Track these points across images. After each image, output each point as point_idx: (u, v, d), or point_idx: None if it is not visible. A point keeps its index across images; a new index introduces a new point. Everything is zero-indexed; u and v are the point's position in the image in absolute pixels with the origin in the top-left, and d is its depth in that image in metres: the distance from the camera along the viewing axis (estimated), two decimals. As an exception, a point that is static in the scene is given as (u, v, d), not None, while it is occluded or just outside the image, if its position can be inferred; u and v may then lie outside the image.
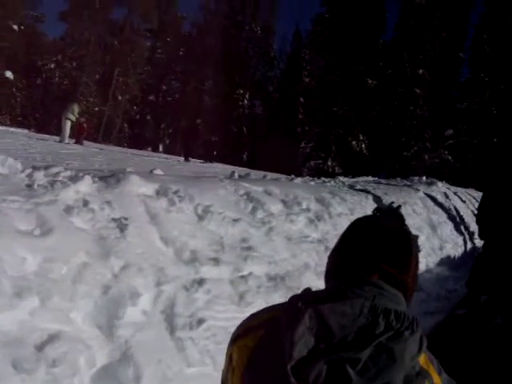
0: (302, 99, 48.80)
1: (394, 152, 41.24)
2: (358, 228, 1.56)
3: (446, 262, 11.55)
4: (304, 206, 8.06)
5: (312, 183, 10.76)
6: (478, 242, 14.13)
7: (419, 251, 1.53)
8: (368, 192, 11.15)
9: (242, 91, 51.77)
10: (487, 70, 40.17)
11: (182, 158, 26.14)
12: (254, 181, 8.53)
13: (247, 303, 5.37)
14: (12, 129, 31.05)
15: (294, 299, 1.35)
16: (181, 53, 55.40)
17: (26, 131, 27.33)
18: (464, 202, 17.09)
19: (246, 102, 52.52)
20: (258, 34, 53.92)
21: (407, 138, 41.93)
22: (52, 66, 48.47)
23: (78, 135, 27.19)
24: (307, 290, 1.42)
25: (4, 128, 29.77)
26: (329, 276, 1.58)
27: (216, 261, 5.42)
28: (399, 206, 1.66)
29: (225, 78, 49.55)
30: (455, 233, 13.88)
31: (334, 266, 1.56)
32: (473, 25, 44.12)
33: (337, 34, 42.37)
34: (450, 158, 40.31)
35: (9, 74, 37.89)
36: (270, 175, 13.42)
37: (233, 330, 1.52)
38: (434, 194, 14.57)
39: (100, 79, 47.86)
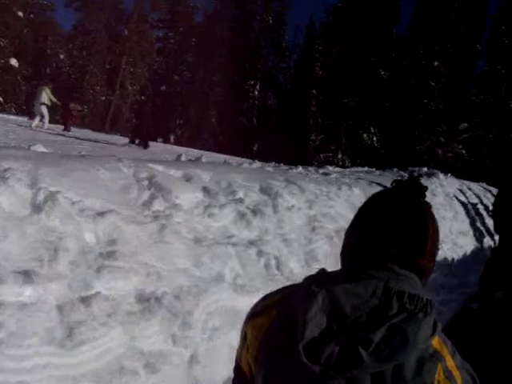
0: (314, 91, 46.71)
1: (407, 146, 39.37)
2: (372, 207, 1.47)
3: (441, 266, 9.71)
4: (238, 196, 5.96)
5: (269, 168, 8.66)
6: (486, 242, 12.70)
7: (437, 227, 1.42)
8: (346, 182, 9.03)
9: (252, 82, 49.93)
10: (504, 63, 38.57)
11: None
12: (172, 163, 6.50)
13: (78, 342, 3.34)
14: (12, 116, 29.37)
15: (308, 280, 1.33)
16: (193, 43, 53.68)
17: (25, 119, 25.49)
18: (470, 197, 15.01)
19: (256, 93, 50.60)
20: (270, 24, 51.94)
21: (420, 131, 40.03)
22: (61, 56, 47.16)
23: (66, 121, 25.27)
24: (321, 271, 1.38)
25: (4, 115, 28.05)
26: (344, 255, 1.48)
27: (29, 275, 3.37)
28: (419, 176, 1.64)
29: (235, 69, 47.74)
30: (455, 232, 11.80)
31: (348, 246, 1.46)
32: (491, 15, 42.00)
33: (350, 24, 40.95)
34: (463, 152, 38.70)
35: (13, 62, 36.54)
36: (241, 162, 11.30)
37: None
38: (432, 186, 12.44)
39: (108, 68, 46.43)
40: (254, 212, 6.06)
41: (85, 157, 6.02)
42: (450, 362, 1.29)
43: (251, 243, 5.66)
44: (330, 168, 13.63)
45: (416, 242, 1.36)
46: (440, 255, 10.18)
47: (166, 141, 47.10)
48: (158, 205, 5.08)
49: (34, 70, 45.83)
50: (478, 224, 13.60)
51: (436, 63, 40.50)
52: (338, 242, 7.47)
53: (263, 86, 52.24)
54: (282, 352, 1.24)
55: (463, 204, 14.10)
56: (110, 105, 44.81)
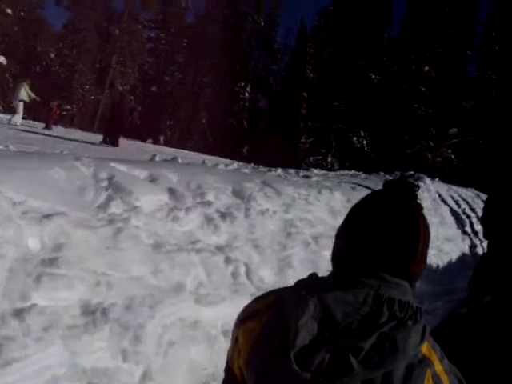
0: (305, 94, 46.61)
1: (397, 150, 39.20)
2: (362, 210, 1.42)
3: (427, 273, 9.17)
4: (207, 199, 5.56)
5: (246, 170, 8.27)
6: (474, 248, 12.43)
7: (428, 227, 1.39)
8: (328, 185, 8.67)
9: (243, 84, 49.61)
10: (495, 68, 38.21)
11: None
12: (138, 163, 6.09)
13: (8, 361, 3.03)
14: (-2, 114, 28.81)
15: (299, 285, 1.32)
16: (184, 44, 53.29)
17: (8, 116, 24.96)
18: (457, 202, 14.73)
19: (247, 94, 50.28)
20: (261, 26, 51.61)
21: (410, 135, 39.87)
22: (52, 55, 46.64)
23: (47, 119, 24.83)
24: (312, 276, 1.38)
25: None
26: (334, 259, 1.45)
27: None
28: (411, 176, 1.16)
29: (226, 70, 47.37)
30: (441, 238, 11.51)
31: (338, 250, 1.43)
32: (481, 22, 41.92)
33: (341, 27, 40.70)
34: (453, 157, 38.40)
35: (2, 59, 35.98)
36: (220, 162, 10.88)
37: None
38: (419, 191, 12.01)
39: (97, 67, 45.96)
40: (224, 216, 5.68)
41: (40, 155, 5.60)
42: (439, 367, 1.30)
43: (219, 249, 5.27)
44: (315, 171, 13.29)
45: (407, 250, 1.33)
46: (425, 262, 9.83)
47: (156, 142, 46.76)
48: (116, 207, 4.69)
49: (23, 68, 45.28)
50: (466, 229, 13.33)
51: (426, 68, 40.30)
52: (317, 249, 7.11)
53: (254, 87, 51.91)
54: (273, 358, 1.23)
55: (450, 209, 13.83)
56: (99, 104, 44.32)
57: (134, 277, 4.17)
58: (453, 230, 12.68)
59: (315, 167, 35.27)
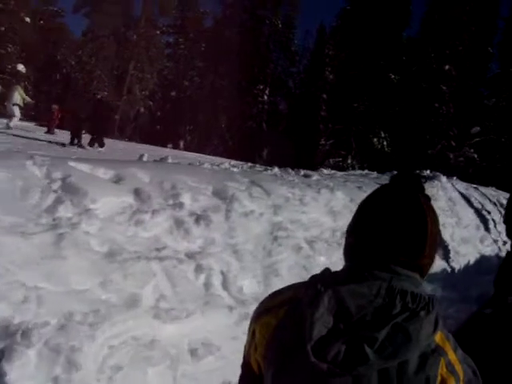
0: (325, 96, 45.88)
1: (418, 150, 38.17)
2: (369, 205, 1.42)
3: (440, 277, 8.96)
4: (179, 200, 4.96)
5: (234, 169, 7.63)
6: (493, 250, 11.69)
7: (436, 219, 1.39)
8: (328, 185, 8.04)
9: (261, 87, 48.98)
10: (517, 65, 36.92)
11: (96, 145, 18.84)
12: (105, 162, 5.50)
13: None
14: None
15: (314, 280, 1.32)
16: (202, 48, 52.94)
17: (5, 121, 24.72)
18: (476, 201, 13.98)
19: (265, 97, 49.63)
20: (279, 28, 50.91)
21: (431, 135, 38.86)
22: (72, 62, 46.56)
23: (50, 123, 24.64)
24: (326, 271, 1.38)
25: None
26: (346, 254, 1.44)
27: None
28: (417, 171, 1.07)
29: (244, 73, 46.80)
30: (457, 239, 10.89)
31: (349, 246, 1.43)
32: (503, 17, 40.86)
33: (359, 27, 39.80)
34: (475, 156, 37.50)
35: (21, 68, 35.80)
36: (214, 162, 10.27)
37: None
38: (433, 190, 11.61)
39: (115, 74, 45.73)
40: (199, 219, 5.08)
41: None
42: (453, 356, 1.30)
43: (189, 257, 4.68)
44: (325, 171, 12.62)
45: (415, 242, 1.33)
46: (439, 265, 9.25)
47: (176, 147, 46.42)
48: (64, 210, 4.12)
49: (44, 76, 45.30)
50: (487, 230, 12.59)
51: (447, 67, 39.43)
52: (311, 254, 6.45)
53: (273, 90, 51.25)
54: (290, 351, 1.25)
55: (469, 209, 13.06)
56: (117, 110, 44.10)
57: (74, 290, 3.59)
58: (470, 230, 11.97)
59: (335, 169, 34.88)
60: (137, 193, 4.89)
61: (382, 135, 40.53)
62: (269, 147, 48.43)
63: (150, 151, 21.06)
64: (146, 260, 4.24)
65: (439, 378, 1.25)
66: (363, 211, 1.41)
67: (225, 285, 4.85)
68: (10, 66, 37.38)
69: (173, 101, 52.16)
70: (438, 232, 1.40)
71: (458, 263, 9.85)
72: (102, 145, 18.56)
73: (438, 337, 1.29)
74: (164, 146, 41.52)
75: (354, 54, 39.87)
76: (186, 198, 5.26)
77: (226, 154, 40.18)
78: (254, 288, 5.14)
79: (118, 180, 4.99)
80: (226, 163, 9.59)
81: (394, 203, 1.35)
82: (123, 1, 44.80)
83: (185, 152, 32.99)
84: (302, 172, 9.16)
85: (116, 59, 44.94)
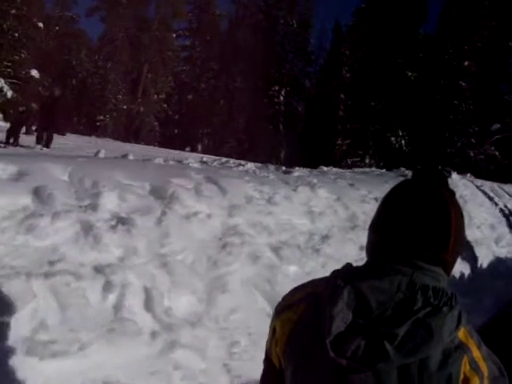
0: (342, 95, 44.89)
1: (437, 148, 37.19)
2: (391, 201, 1.37)
3: (448, 282, 7.37)
4: (100, 201, 3.95)
5: (195, 164, 6.57)
6: (508, 252, 10.75)
7: (461, 213, 1.34)
8: (311, 182, 7.00)
9: (277, 87, 47.97)
10: (539, 59, 36.01)
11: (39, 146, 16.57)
12: (6, 157, 4.46)
13: None
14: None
15: (335, 275, 1.31)
16: (218, 50, 52.33)
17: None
18: (493, 198, 12.89)
19: (282, 98, 48.62)
20: (294, 28, 49.96)
21: (451, 133, 37.73)
22: (88, 66, 46.19)
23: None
24: (347, 266, 1.35)
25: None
26: (368, 250, 1.39)
27: None
28: (440, 165, 1.17)
29: (259, 74, 45.95)
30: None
31: (371, 243, 1.38)
32: (523, 11, 39.42)
33: (375, 25, 39.02)
34: (496, 153, 36.44)
35: (34, 73, 35.49)
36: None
37: None
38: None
39: (130, 77, 45.28)
40: (118, 223, 4.04)
41: None
42: (476, 353, 1.25)
43: (98, 271, 3.65)
44: (325, 168, 11.57)
45: (438, 236, 1.28)
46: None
47: (194, 149, 45.85)
48: None
49: (59, 81, 44.90)
50: (505, 230, 11.53)
51: (466, 63, 38.30)
52: (277, 263, 5.37)
53: (289, 91, 50.26)
54: (309, 346, 1.24)
55: (482, 208, 11.96)
56: (132, 114, 43.65)
57: None
58: (484, 230, 10.86)
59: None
60: (37, 192, 3.87)
61: (400, 134, 39.58)
62: (286, 148, 47.54)
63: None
64: (26, 277, 3.22)
65: (462, 376, 1.20)
66: (386, 205, 1.36)
67: (148, 305, 3.84)
68: (23, 72, 36.94)
69: (189, 104, 51.51)
70: (463, 227, 1.32)
71: (470, 266, 9.03)
72: (48, 144, 16.51)
73: (462, 333, 1.25)
74: (182, 149, 41.01)
75: (371, 53, 39.13)
76: (107, 198, 4.24)
77: (242, 156, 39.39)
78: (191, 307, 4.13)
79: (18, 177, 3.98)
80: (202, 158, 8.59)
81: (417, 197, 1.31)
82: (137, 4, 44.25)
83: (200, 154, 32.18)
84: (283, 169, 8.09)
85: (130, 62, 44.42)
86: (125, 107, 43.59)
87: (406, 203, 1.31)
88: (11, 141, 17.20)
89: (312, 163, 31.01)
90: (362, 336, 1.16)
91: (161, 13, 45.55)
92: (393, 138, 39.30)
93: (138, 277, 3.86)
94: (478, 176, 15.72)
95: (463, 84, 38.03)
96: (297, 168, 8.16)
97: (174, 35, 51.36)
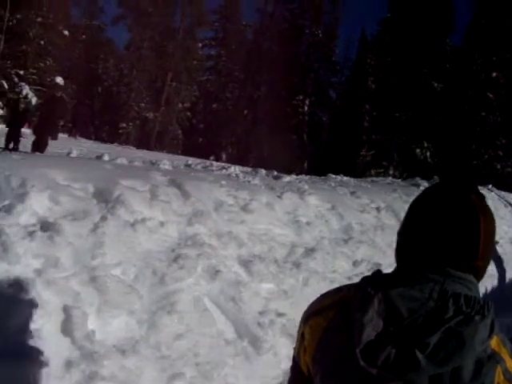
0: (367, 106, 44.21)
1: (463, 161, 36.10)
2: (419, 206, 1.34)
3: None
4: (19, 203, 3.29)
5: (166, 166, 5.86)
6: None
7: (491, 219, 1.30)
8: (301, 188, 6.28)
9: (302, 97, 47.34)
10: None
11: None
12: None
13: None
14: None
15: (365, 282, 1.27)
16: (242, 60, 52.07)
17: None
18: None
19: (306, 108, 47.95)
20: (319, 38, 49.36)
21: (477, 145, 36.64)
22: (114, 74, 46.31)
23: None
24: (377, 273, 1.32)
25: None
26: (398, 255, 1.37)
27: None
28: (467, 170, 1.62)
29: (283, 84, 45.41)
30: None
31: (400, 247, 1.36)
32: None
33: (400, 34, 38.53)
34: None
35: (59, 80, 35.42)
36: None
37: None
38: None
39: (153, 85, 45.18)
40: (36, 229, 3.37)
41: None
42: (510, 363, 1.21)
43: (4, 285, 2.98)
44: (332, 176, 10.90)
45: (467, 245, 1.25)
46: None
47: (218, 159, 45.48)
48: None
49: (85, 89, 45.03)
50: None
51: (494, 74, 37.30)
52: (246, 279, 4.67)
53: (313, 101, 49.58)
54: (339, 354, 1.22)
55: (502, 221, 11.21)
56: (154, 122, 43.46)
57: None
58: (505, 246, 10.11)
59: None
60: None
61: (426, 145, 38.90)
62: (310, 159, 46.90)
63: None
64: None
65: None
66: (413, 211, 1.34)
67: (66, 328, 3.16)
68: (48, 79, 37.02)
69: (214, 113, 51.19)
70: (493, 232, 1.30)
71: (489, 285, 8.39)
72: (42, 149, 15.24)
73: (494, 342, 1.20)
74: (207, 158, 40.71)
75: (396, 63, 38.59)
76: (34, 199, 3.58)
77: (264, 165, 38.87)
78: (126, 332, 3.44)
79: None
80: (188, 161, 7.90)
81: (444, 202, 1.28)
82: (162, 13, 44.16)
83: (225, 164, 31.70)
84: (275, 173, 7.36)
85: (155, 70, 44.32)
86: (148, 115, 43.54)
87: (433, 208, 1.28)
88: (11, 146, 16.37)
89: (335, 174, 30.30)
90: (393, 344, 1.12)
91: (186, 22, 45.52)
92: (418, 150, 38.63)
93: (56, 293, 3.20)
94: (505, 189, 14.88)
95: (491, 95, 37.13)
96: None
97: (200, 45, 51.29)
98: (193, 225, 4.36)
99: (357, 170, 40.23)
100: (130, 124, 43.06)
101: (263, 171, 7.45)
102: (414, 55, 37.28)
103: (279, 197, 5.69)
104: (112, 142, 38.13)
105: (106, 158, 6.21)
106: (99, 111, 44.60)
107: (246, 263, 4.55)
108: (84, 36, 46.92)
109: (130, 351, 3.34)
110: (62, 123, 18.11)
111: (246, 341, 4.10)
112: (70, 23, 41.99)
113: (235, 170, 6.88)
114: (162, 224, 4.13)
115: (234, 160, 43.27)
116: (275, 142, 46.71)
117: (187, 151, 43.54)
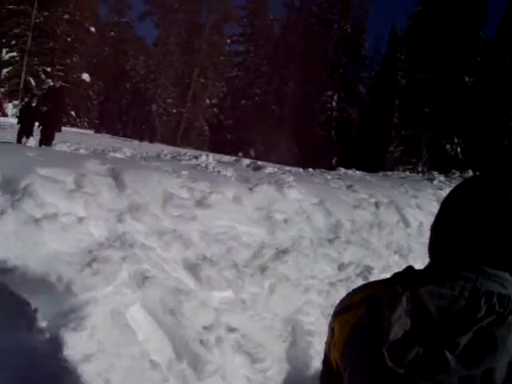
0: (396, 101, 43.15)
1: (494, 156, 34.90)
2: (452, 201, 1.25)
3: None
4: None
5: (118, 155, 5.14)
6: None
7: None
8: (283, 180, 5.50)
9: (330, 93, 46.37)
10: None
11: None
12: None
13: None
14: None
15: (394, 279, 1.21)
16: (270, 55, 51.39)
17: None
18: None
19: (334, 104, 46.95)
20: (348, 33, 48.40)
21: (510, 141, 36.10)
22: (142, 71, 46.11)
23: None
24: (408, 269, 1.24)
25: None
26: (430, 250, 1.26)
27: None
28: (504, 163, 1.46)
29: (311, 79, 44.55)
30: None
31: (432, 242, 1.25)
32: None
33: (431, 28, 37.66)
34: None
35: (85, 77, 35.57)
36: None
37: None
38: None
39: (180, 81, 44.79)
40: None
41: None
42: None
43: None
44: (343, 170, 10.19)
45: (503, 240, 1.14)
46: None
47: (247, 154, 44.93)
48: None
49: (113, 86, 44.90)
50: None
51: (528, 68, 36.07)
52: (191, 284, 3.76)
53: (342, 96, 48.62)
54: (367, 351, 1.17)
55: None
56: (181, 118, 43.06)
57: None
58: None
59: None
60: None
61: (456, 141, 38.06)
62: (338, 155, 45.97)
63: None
64: None
65: None
66: (446, 205, 1.25)
67: None
68: (75, 75, 37.04)
69: (242, 109, 50.57)
70: None
71: None
72: (49, 142, 13.97)
73: None
74: (235, 154, 40.22)
75: (426, 57, 37.90)
76: None
77: (293, 161, 38.21)
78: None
79: None
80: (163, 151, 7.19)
81: (481, 197, 1.18)
82: (189, 9, 43.77)
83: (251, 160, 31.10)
84: (253, 165, 6.58)
85: (181, 66, 43.95)
86: (174, 111, 43.20)
87: (469, 203, 1.19)
88: (24, 140, 15.87)
89: (363, 170, 29.47)
90: (421, 344, 1.06)
91: (212, 17, 45.05)
92: (448, 146, 37.91)
93: None
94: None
95: (524, 90, 36.39)
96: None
97: (228, 41, 50.84)
98: (124, 221, 3.63)
99: (385, 166, 39.32)
100: (157, 120, 42.83)
101: (245, 161, 6.67)
102: (445, 49, 36.49)
103: (251, 189, 4.92)
104: (141, 140, 37.72)
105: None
106: (126, 108, 44.43)
107: (192, 267, 3.80)
108: (112, 33, 46.84)
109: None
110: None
111: (185, 362, 3.37)
112: (97, 20, 41.95)
113: (206, 159, 6.13)
114: (80, 220, 3.41)
115: (263, 156, 42.65)
116: (303, 139, 45.93)
117: (214, 148, 42.99)
